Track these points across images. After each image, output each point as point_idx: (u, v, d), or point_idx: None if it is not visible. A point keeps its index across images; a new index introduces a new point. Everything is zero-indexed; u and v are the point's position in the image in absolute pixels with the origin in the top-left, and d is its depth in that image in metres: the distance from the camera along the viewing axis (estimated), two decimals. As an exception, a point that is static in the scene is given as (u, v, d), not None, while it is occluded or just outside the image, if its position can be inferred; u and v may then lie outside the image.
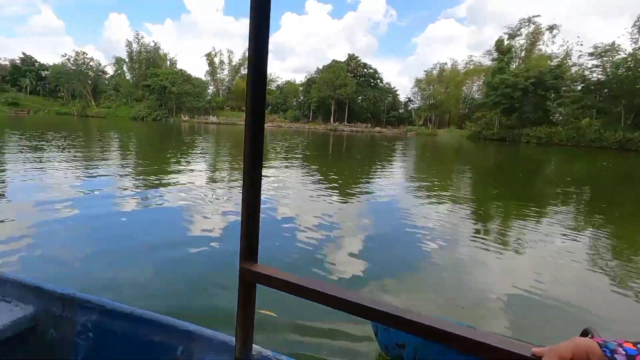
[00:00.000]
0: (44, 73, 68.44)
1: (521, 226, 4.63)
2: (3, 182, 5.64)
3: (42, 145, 11.47)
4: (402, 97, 68.81)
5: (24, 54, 68.02)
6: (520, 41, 48.94)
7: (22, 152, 9.47)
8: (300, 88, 67.44)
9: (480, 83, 54.95)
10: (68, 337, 0.96)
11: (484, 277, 3.01)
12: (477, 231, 4.35)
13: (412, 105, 67.68)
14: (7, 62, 66.35)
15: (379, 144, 25.09)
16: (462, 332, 0.45)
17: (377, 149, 20.01)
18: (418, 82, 62.81)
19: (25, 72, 66.49)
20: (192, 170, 7.87)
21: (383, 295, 2.58)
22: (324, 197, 5.77)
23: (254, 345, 0.64)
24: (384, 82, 66.04)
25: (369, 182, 7.71)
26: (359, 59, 64.37)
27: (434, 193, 6.78)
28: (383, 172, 9.78)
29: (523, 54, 48.89)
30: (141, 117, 53.24)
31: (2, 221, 3.60)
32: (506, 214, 5.44)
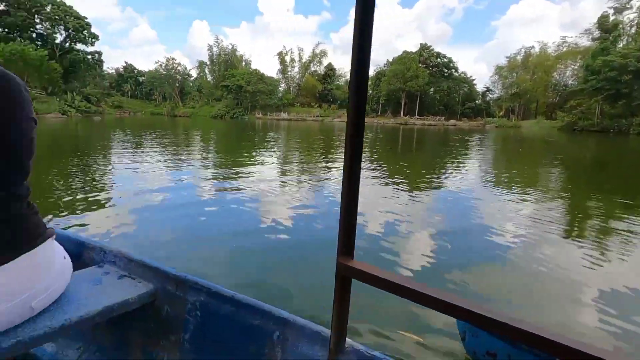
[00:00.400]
0: (141, 79, 77.93)
1: (632, 233, 3.83)
2: (111, 173, 6.48)
3: (140, 141, 12.99)
4: (480, 87, 63.65)
5: (126, 62, 78.41)
6: (630, 15, 41.67)
7: (125, 148, 10.81)
8: (369, 82, 66.42)
9: (576, 67, 48.24)
10: (180, 313, 1.07)
11: (580, 286, 2.51)
12: (573, 232, 3.71)
13: (490, 96, 62.31)
14: (113, 71, 76.89)
15: (454, 137, 23.49)
16: (574, 344, 0.40)
17: (452, 142, 18.74)
18: (499, 69, 57.58)
19: (127, 78, 76.44)
20: (265, 164, 8.16)
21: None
22: (395, 191, 5.49)
23: (347, 338, 0.65)
24: (459, 71, 61.73)
25: (443, 177, 7.18)
26: (431, 48, 61.16)
27: (522, 190, 6.03)
28: (459, 166, 9.06)
29: (634, 30, 41.57)
30: (220, 116, 57.50)
31: (113, 205, 4.12)
32: (614, 217, 4.58)
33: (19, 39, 47.38)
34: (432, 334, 1.91)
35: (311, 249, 3.12)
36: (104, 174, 6.36)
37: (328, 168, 7.87)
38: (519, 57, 56.12)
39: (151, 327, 1.12)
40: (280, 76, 70.63)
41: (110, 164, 7.63)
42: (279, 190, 5.40)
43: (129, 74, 77.55)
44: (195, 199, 4.72)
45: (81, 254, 1.29)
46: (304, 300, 2.25)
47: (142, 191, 4.95)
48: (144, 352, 1.12)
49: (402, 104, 58.32)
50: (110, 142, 12.89)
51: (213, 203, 4.58)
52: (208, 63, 71.90)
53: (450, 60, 60.79)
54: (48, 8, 51.82)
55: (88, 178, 5.81)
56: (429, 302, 0.47)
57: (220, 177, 6.35)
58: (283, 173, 7.19)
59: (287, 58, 69.66)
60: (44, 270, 0.87)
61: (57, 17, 52.45)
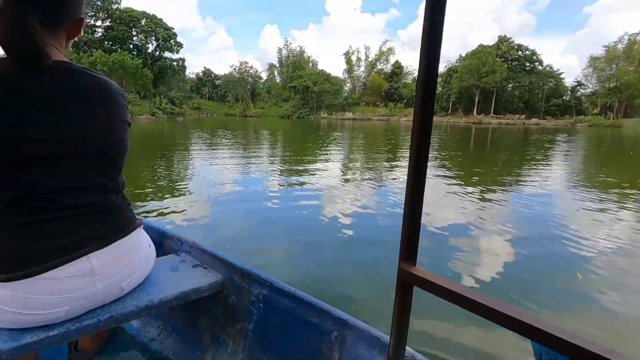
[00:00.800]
0: (217, 82, 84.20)
1: None
2: (189, 168, 7.09)
3: (215, 139, 14.02)
4: (568, 81, 56.73)
5: (204, 67, 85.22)
6: None
7: (201, 145, 11.75)
8: (439, 79, 63.13)
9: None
10: (245, 304, 1.13)
11: None
12: None
13: (582, 91, 55.18)
14: (194, 76, 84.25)
15: (538, 138, 21.23)
16: None
17: (536, 143, 16.94)
18: (593, 60, 50.78)
19: (205, 82, 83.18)
20: (329, 162, 8.20)
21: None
22: (465, 194, 5.10)
23: (407, 347, 0.64)
24: (544, 64, 55.68)
25: (524, 181, 6.48)
26: (511, 40, 56.12)
27: (627, 201, 5.17)
28: (545, 169, 8.12)
29: None
30: (287, 116, 59.61)
31: (189, 198, 4.49)
32: None
33: (119, 49, 54.47)
34: (499, 351, 1.75)
35: (371, 251, 3.03)
36: (183, 169, 6.98)
37: (392, 168, 7.65)
38: (620, 46, 48.75)
39: (219, 314, 1.20)
40: (346, 76, 70.82)
41: (189, 159, 8.36)
42: (342, 189, 5.38)
43: (207, 78, 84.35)
44: (261, 195, 4.92)
45: (162, 242, 1.41)
46: (361, 302, 2.20)
47: (214, 185, 5.30)
48: (212, 336, 1.20)
49: (476, 101, 54.50)
50: (189, 140, 14.14)
51: (277, 200, 4.73)
52: (277, 65, 75.04)
53: (534, 53, 55.19)
54: (143, 21, 58.67)
55: (169, 172, 6.42)
56: (503, 320, 0.44)
57: (285, 174, 6.55)
58: (346, 172, 7.17)
59: (353, 57, 69.57)
60: (133, 255, 0.97)
61: (149, 29, 59.14)
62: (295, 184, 5.65)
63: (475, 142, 17.34)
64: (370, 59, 69.06)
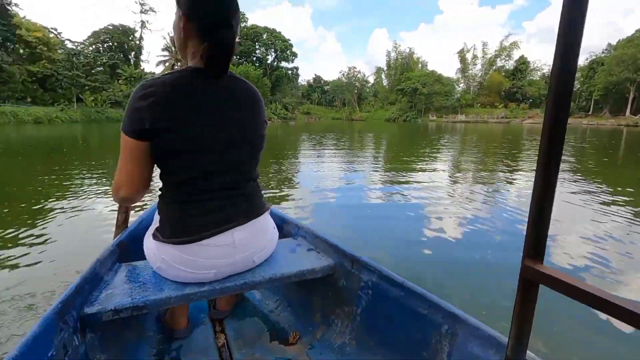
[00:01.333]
0: (326, 87, 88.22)
1: None
2: (298, 166, 7.54)
3: (322, 141, 14.65)
4: None
5: (315, 74, 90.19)
6: None
7: (309, 147, 12.40)
8: (577, 74, 53.40)
9: None
10: (354, 289, 1.18)
11: None
12: None
13: None
14: (305, 82, 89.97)
15: None
16: None
17: None
18: None
19: (315, 88, 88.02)
20: (436, 166, 7.68)
21: None
22: (608, 211, 4.10)
23: (528, 351, 0.61)
24: None
25: None
26: (689, 20, 43.80)
27: None
28: None
29: None
30: (393, 119, 58.60)
31: (295, 196, 4.75)
32: None
33: (244, 62, 61.87)
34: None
35: (481, 253, 2.71)
36: (292, 167, 7.46)
37: (511, 173, 6.74)
38: None
39: (329, 296, 1.28)
40: (459, 75, 65.91)
41: (298, 158, 8.91)
42: (450, 194, 4.96)
43: (317, 84, 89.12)
44: (364, 196, 4.89)
45: (282, 227, 1.55)
46: (470, 302, 2.03)
47: (319, 185, 5.48)
48: (323, 315, 1.29)
49: (630, 99, 44.35)
50: (300, 141, 15.10)
51: (380, 197, 4.64)
52: (385, 68, 74.47)
53: None
54: (264, 36, 65.38)
55: (281, 168, 6.94)
56: None
57: (390, 175, 6.38)
58: (456, 175, 6.61)
59: (468, 55, 64.29)
60: (263, 234, 1.13)
61: (269, 42, 65.54)
62: (400, 184, 5.46)
63: (628, 149, 13.98)
64: (488, 56, 62.82)
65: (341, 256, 1.24)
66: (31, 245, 2.75)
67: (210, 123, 0.95)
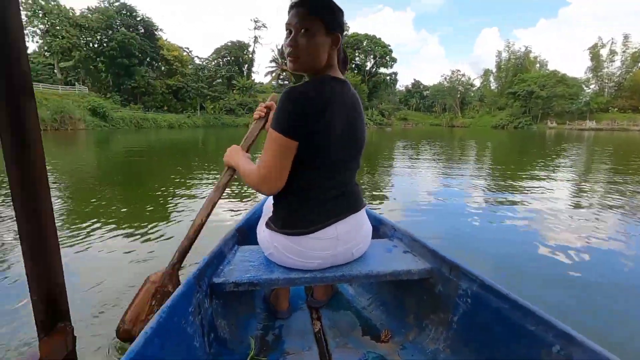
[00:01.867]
0: (425, 93, 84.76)
1: None
2: (392, 172, 7.32)
3: (419, 148, 14.01)
4: None
5: (414, 79, 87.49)
6: None
7: (406, 153, 11.98)
8: None
9: None
10: (451, 295, 1.14)
11: None
12: None
13: None
14: (403, 88, 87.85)
15: None
16: None
17: None
18: None
19: (413, 93, 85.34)
20: (556, 181, 6.57)
21: None
22: None
23: None
24: None
25: None
26: None
27: None
28: None
29: None
30: (501, 126, 53.04)
31: (391, 200, 4.59)
32: None
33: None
34: None
35: (617, 280, 2.15)
36: (387, 173, 7.27)
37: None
38: None
39: (424, 300, 1.26)
40: (589, 75, 56.18)
41: (393, 164, 8.66)
42: (569, 213, 4.16)
43: (415, 89, 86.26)
44: (462, 208, 4.44)
45: (378, 227, 1.58)
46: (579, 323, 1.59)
47: (415, 192, 5.18)
48: (416, 319, 1.27)
49: None
50: (396, 148, 14.73)
51: (482, 214, 4.15)
52: (494, 70, 67.97)
53: None
54: (364, 43, 66.11)
55: (376, 174, 6.82)
56: None
57: (493, 189, 5.69)
58: (579, 195, 5.54)
59: (604, 51, 54.42)
60: (360, 227, 1.19)
61: (369, 48, 65.98)
62: (506, 201, 4.80)
63: None
64: (631, 50, 52.03)
65: (439, 261, 1.22)
66: (169, 224, 3.36)
67: (341, 126, 1.04)
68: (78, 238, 2.88)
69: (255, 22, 61.97)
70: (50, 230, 0.36)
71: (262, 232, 1.21)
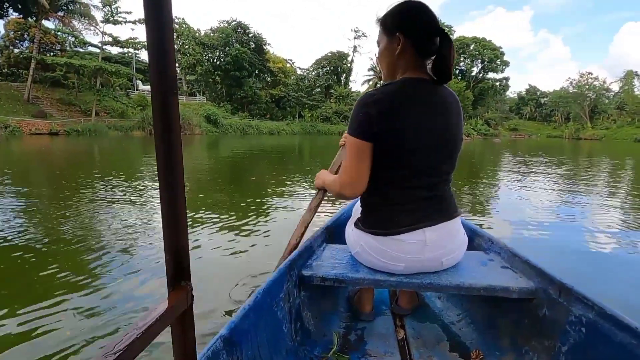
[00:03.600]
0: (543, 100, 74.66)
1: None
2: (496, 187, 6.42)
3: (529, 164, 12.20)
4: None
5: (529, 85, 77.77)
6: None
7: (514, 171, 10.52)
8: None
9: None
10: (559, 321, 1.01)
11: None
12: None
13: None
14: (515, 95, 78.93)
15: None
16: None
17: None
18: None
19: (527, 101, 76.01)
20: None
21: None
22: None
23: None
24: None
25: None
26: None
27: None
28: None
29: None
30: (648, 139, 43.35)
31: (496, 218, 3.95)
32: None
33: (446, 76, 60.00)
34: None
35: None
36: (492, 191, 6.43)
37: None
38: None
39: (525, 323, 1.13)
40: None
41: (498, 179, 7.64)
42: None
43: (530, 96, 76.70)
44: (583, 236, 3.63)
45: (473, 238, 1.49)
46: None
47: (521, 214, 4.44)
48: (513, 342, 1.14)
49: None
50: (500, 160, 13.13)
51: (610, 244, 3.38)
52: (640, 72, 56.17)
53: None
54: (471, 46, 61.56)
55: (477, 191, 6.08)
56: None
57: (628, 222, 4.46)
58: None
59: None
60: (453, 237, 1.14)
61: (477, 52, 61.16)
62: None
63: None
64: None
65: (546, 281, 1.09)
66: (266, 220, 3.85)
67: (423, 127, 1.04)
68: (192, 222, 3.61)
69: (356, 32, 62.92)
70: (181, 205, 0.45)
71: (350, 231, 1.25)
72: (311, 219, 1.50)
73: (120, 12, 32.70)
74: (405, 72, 1.09)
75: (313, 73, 62.66)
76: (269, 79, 52.59)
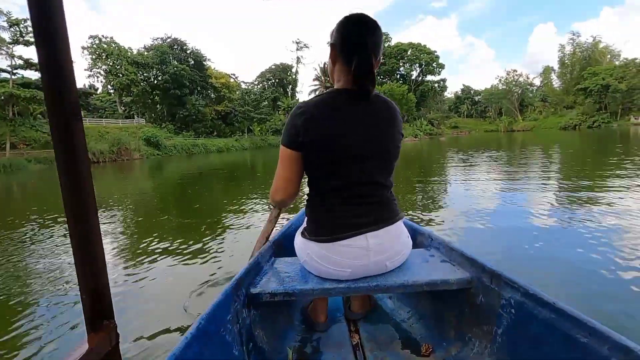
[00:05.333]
0: (476, 98, 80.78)
1: None
2: (443, 183, 6.60)
3: (470, 159, 12.90)
4: None
5: (463, 85, 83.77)
6: None
7: (457, 167, 11.02)
8: None
9: None
10: (494, 307, 1.09)
11: None
12: None
13: None
14: (452, 95, 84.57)
15: None
16: None
17: None
18: None
19: (463, 100, 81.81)
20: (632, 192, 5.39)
21: None
22: None
23: None
24: None
25: None
26: None
27: None
28: None
29: None
30: (572, 126, 48.37)
31: (441, 209, 3.97)
32: None
33: (388, 80, 62.76)
34: None
35: None
36: (438, 183, 6.59)
37: None
38: None
39: (465, 312, 1.20)
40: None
41: (444, 175, 7.89)
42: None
43: (465, 95, 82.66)
44: (522, 222, 3.82)
45: (415, 237, 1.53)
46: None
47: (469, 206, 4.60)
48: (457, 332, 1.21)
49: None
50: (446, 157, 13.75)
51: (547, 229, 3.51)
52: (555, 67, 62.90)
53: None
54: (409, 52, 65.13)
55: (427, 188, 6.18)
56: None
57: (564, 200, 4.76)
58: None
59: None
60: (395, 240, 1.18)
61: (414, 56, 64.80)
62: (584, 209, 4.00)
63: None
64: None
65: (479, 270, 1.17)
66: (214, 243, 3.70)
67: (351, 137, 1.07)
68: (127, 256, 3.46)
69: (297, 43, 63.81)
70: (96, 239, 0.43)
71: (298, 241, 1.26)
72: (271, 231, 1.52)
73: (30, 32, 28.41)
74: (339, 81, 1.13)
75: (258, 86, 62.32)
76: (212, 95, 51.28)
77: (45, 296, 2.59)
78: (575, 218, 3.85)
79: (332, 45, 1.13)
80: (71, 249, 0.46)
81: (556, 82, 64.11)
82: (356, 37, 1.08)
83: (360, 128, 1.08)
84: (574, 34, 60.42)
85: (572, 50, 59.07)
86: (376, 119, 1.11)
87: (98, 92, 47.87)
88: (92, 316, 0.48)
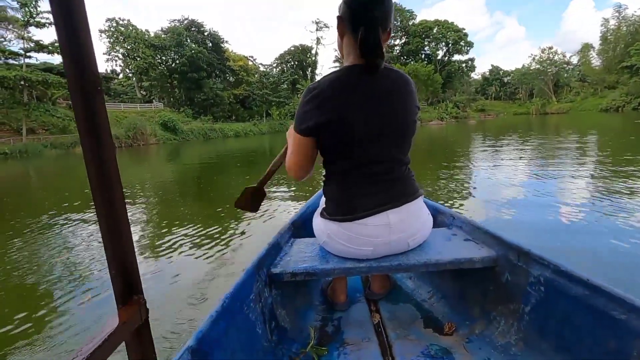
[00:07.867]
0: (506, 79, 77.42)
1: None
2: (468, 166, 6.22)
3: (499, 144, 12.24)
4: None
5: (492, 65, 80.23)
6: None
7: (485, 150, 10.45)
8: None
9: None
10: (521, 284, 1.09)
11: None
12: None
13: None
14: (479, 76, 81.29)
15: None
16: None
17: None
18: None
19: (492, 81, 78.61)
20: None
21: None
22: None
23: None
24: None
25: None
26: None
27: None
28: None
29: None
30: (614, 108, 45.60)
31: (463, 194, 3.65)
32: None
33: (412, 61, 60.86)
34: None
35: None
36: (463, 167, 6.24)
37: None
38: None
39: (490, 290, 1.20)
40: None
41: (469, 159, 7.46)
42: None
43: (494, 76, 79.30)
44: (552, 209, 3.67)
45: (436, 217, 1.53)
46: None
47: (496, 194, 4.40)
48: (482, 310, 1.20)
49: None
50: (472, 142, 13.14)
51: (583, 217, 3.34)
52: (596, 44, 59.14)
53: None
54: (435, 30, 62.72)
55: (449, 167, 5.84)
56: None
57: (602, 190, 4.30)
58: None
59: None
60: (416, 218, 1.18)
61: (440, 35, 62.38)
62: (616, 206, 3.61)
63: None
64: None
65: (505, 248, 1.17)
66: (235, 230, 3.76)
67: (366, 115, 1.06)
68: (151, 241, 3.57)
69: (317, 23, 62.49)
70: (122, 215, 0.45)
71: (317, 221, 1.27)
72: (281, 163, 1.49)
73: (41, 12, 28.66)
74: (348, 56, 1.10)
75: (277, 69, 61.78)
76: (230, 78, 51.30)
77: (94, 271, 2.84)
78: (610, 210, 3.48)
79: (339, 18, 1.10)
80: (99, 230, 0.47)
81: (595, 61, 60.41)
82: (364, 8, 1.03)
83: (376, 105, 1.06)
84: (620, 7, 56.38)
85: (617, 24, 55.20)
86: (392, 94, 1.08)
87: (119, 77, 48.57)
88: (122, 291, 0.50)
